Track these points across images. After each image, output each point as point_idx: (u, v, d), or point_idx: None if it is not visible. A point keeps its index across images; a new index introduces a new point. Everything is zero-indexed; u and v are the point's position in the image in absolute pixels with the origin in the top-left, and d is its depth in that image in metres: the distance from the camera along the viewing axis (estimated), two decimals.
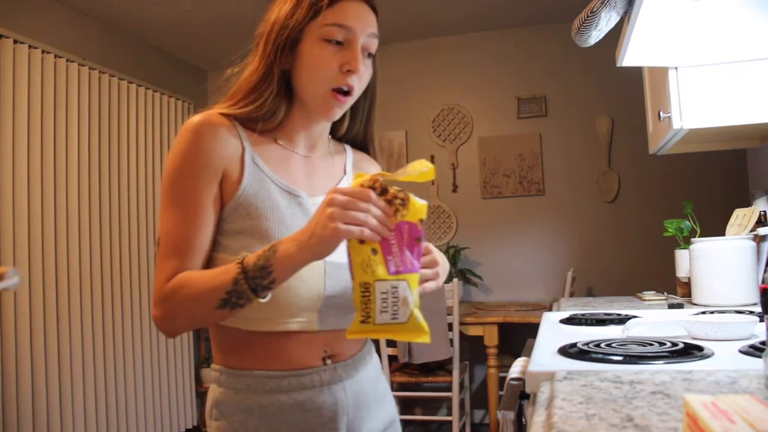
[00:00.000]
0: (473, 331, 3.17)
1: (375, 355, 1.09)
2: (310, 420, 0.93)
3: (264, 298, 0.83)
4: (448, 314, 3.00)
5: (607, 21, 1.27)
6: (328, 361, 0.95)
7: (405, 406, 3.83)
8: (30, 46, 2.79)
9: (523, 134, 3.86)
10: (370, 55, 0.96)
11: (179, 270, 0.88)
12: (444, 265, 0.95)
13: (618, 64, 1.54)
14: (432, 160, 4.00)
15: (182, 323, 0.89)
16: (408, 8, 3.53)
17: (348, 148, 1.11)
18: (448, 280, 3.54)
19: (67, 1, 3.13)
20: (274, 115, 0.96)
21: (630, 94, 2.98)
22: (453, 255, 3.79)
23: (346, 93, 0.93)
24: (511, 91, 3.90)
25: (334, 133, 1.10)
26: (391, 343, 3.01)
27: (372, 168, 1.12)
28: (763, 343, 0.98)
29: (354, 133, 1.10)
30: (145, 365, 3.39)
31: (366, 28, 0.93)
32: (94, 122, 3.15)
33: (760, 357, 0.88)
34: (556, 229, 3.80)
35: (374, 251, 0.77)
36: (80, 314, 2.96)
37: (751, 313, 1.29)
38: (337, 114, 0.96)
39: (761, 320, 1.15)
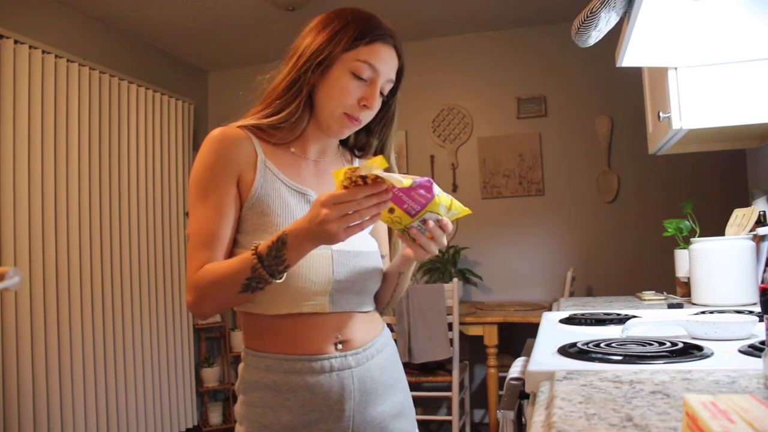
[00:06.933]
0: (473, 331, 3.17)
1: (391, 345, 1.19)
2: (318, 401, 1.04)
3: (280, 279, 0.96)
4: (448, 314, 3.00)
5: (606, 21, 1.27)
6: (340, 346, 1.06)
7: None
8: (30, 46, 2.79)
9: (523, 134, 3.86)
10: (381, 93, 1.09)
11: (207, 261, 1.01)
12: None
13: (618, 64, 1.54)
14: (432, 160, 4.01)
15: (210, 306, 1.02)
16: (408, 8, 3.53)
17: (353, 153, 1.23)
18: (448, 279, 3.55)
19: (68, 1, 3.14)
20: (298, 124, 1.07)
21: (630, 94, 2.99)
22: (453, 255, 3.79)
23: (356, 120, 1.07)
24: (511, 91, 3.90)
25: (346, 141, 1.21)
26: None
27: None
28: (762, 343, 0.98)
29: (366, 144, 1.21)
30: (146, 365, 3.39)
31: (388, 73, 1.08)
32: (94, 122, 3.16)
33: (759, 357, 0.88)
34: (556, 229, 3.80)
35: (391, 210, 0.92)
36: (80, 314, 2.96)
37: (751, 313, 1.30)
38: (346, 134, 1.10)
39: (761, 320, 1.15)
